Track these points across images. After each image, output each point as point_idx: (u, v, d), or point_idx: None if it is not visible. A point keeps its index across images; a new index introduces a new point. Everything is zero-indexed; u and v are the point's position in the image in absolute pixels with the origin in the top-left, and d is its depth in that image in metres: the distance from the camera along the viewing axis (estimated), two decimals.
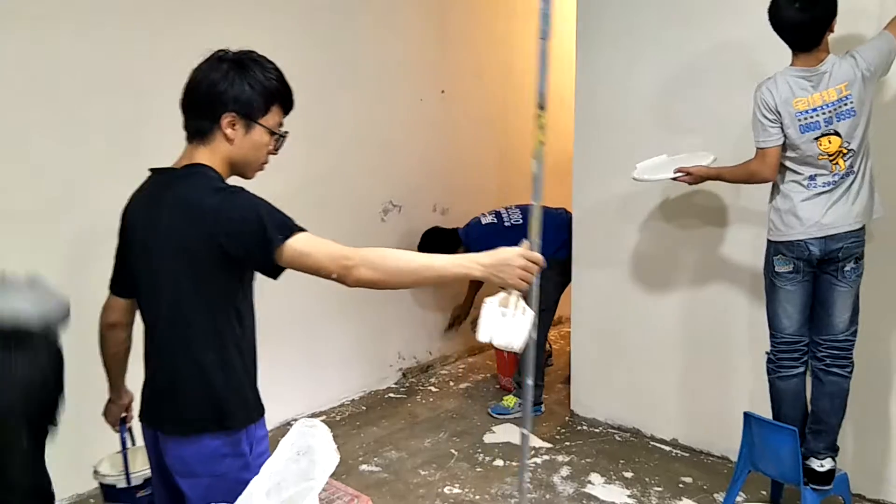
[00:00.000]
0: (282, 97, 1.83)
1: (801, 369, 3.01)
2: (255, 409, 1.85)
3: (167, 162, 1.85)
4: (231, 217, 1.67)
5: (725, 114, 3.45)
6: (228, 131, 1.77)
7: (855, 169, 2.86)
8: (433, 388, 4.67)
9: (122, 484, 2.35)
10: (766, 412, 3.13)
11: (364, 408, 4.37)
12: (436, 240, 4.55)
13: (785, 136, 2.85)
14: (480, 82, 5.04)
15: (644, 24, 3.73)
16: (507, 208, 4.53)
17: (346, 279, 1.67)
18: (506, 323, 1.75)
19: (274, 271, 1.69)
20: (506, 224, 4.45)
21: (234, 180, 1.81)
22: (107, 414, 2.24)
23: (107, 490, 2.39)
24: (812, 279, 2.96)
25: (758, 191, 3.19)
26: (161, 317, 1.79)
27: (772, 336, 3.03)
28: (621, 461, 3.68)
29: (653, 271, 3.83)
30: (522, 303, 1.77)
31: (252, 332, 1.87)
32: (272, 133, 1.82)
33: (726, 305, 3.59)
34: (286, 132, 1.86)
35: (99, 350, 2.08)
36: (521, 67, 5.29)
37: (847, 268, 2.91)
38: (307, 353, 4.20)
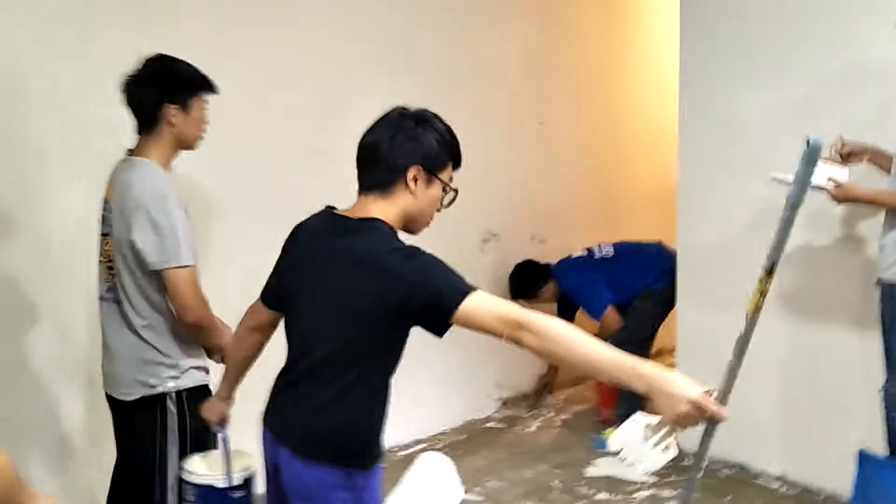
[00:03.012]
0: (456, 154, 1.93)
1: None
2: (375, 455, 1.93)
3: None
4: (410, 280, 1.73)
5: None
6: (412, 185, 1.85)
7: None
8: (533, 419, 4.67)
9: (221, 484, 2.32)
10: (878, 450, 3.02)
11: (464, 436, 4.40)
12: (528, 272, 4.61)
13: None
14: (580, 114, 5.06)
15: (756, 49, 3.66)
16: (599, 245, 4.54)
17: (515, 342, 1.68)
18: (643, 447, 1.67)
19: (443, 331, 1.75)
20: (595, 257, 4.46)
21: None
22: (210, 410, 2.30)
23: (201, 490, 2.35)
24: None
25: (865, 220, 3.09)
26: (316, 353, 1.87)
27: (892, 372, 2.92)
28: (727, 497, 3.60)
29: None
30: (672, 440, 1.66)
31: (392, 376, 1.94)
32: (445, 189, 1.91)
33: (836, 338, 3.48)
34: (457, 188, 1.94)
35: (230, 348, 2.24)
36: (622, 100, 5.29)
37: None
38: (407, 381, 4.23)
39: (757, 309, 1.52)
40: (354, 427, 1.86)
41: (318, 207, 2.01)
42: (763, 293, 1.49)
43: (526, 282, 4.60)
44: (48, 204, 3.05)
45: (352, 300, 1.80)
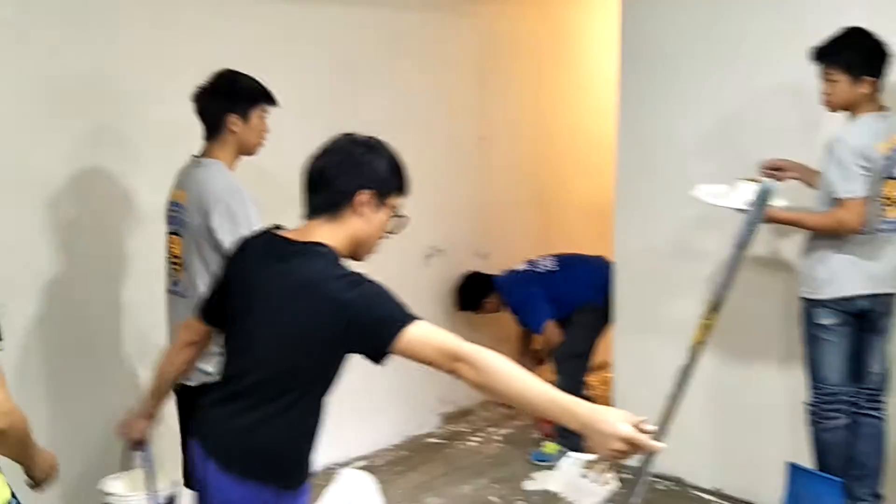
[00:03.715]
0: (404, 181, 1.94)
1: (845, 420, 2.99)
2: (304, 475, 1.93)
3: None
4: (352, 308, 1.72)
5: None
6: (361, 209, 1.85)
7: None
8: (473, 434, 4.67)
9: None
10: (805, 461, 3.10)
11: (404, 452, 4.38)
12: (473, 284, 4.63)
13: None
14: (520, 130, 5.10)
15: (691, 65, 3.72)
16: (542, 257, 4.58)
17: (454, 374, 1.69)
18: (581, 485, 1.71)
19: (382, 360, 1.74)
20: (538, 271, 4.49)
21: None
22: (128, 429, 2.24)
23: None
24: (855, 327, 2.95)
25: (789, 238, 3.17)
26: (253, 374, 1.85)
27: (815, 387, 3.01)
28: None
29: (692, 317, 3.80)
30: (610, 475, 1.69)
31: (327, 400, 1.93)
32: (393, 214, 1.92)
33: (762, 354, 3.56)
34: (405, 215, 1.94)
35: (161, 363, 2.18)
36: (560, 117, 5.35)
37: (881, 322, 2.94)
38: (347, 397, 4.20)
39: (700, 342, 1.53)
40: (286, 448, 1.85)
41: None
42: (708, 328, 1.51)
43: (471, 294, 4.62)
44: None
45: (292, 325, 1.79)
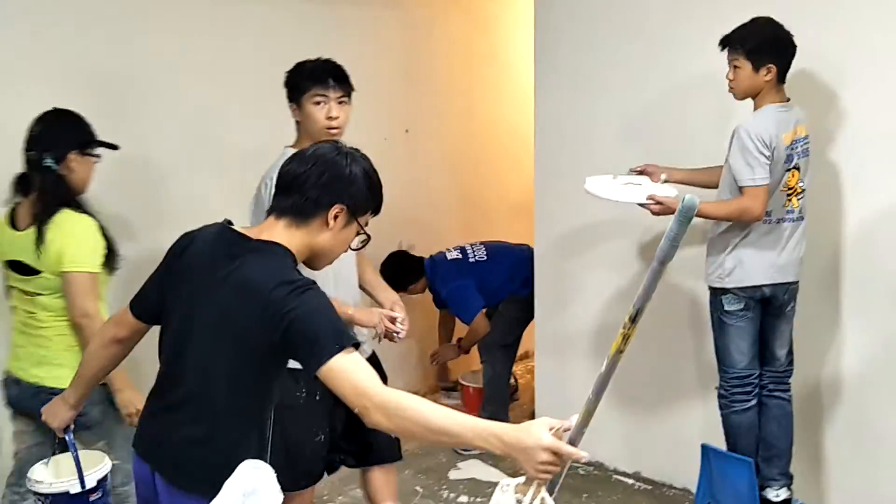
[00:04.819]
0: (379, 202, 1.93)
1: (754, 402, 3.09)
2: None
3: None
4: (290, 317, 1.67)
5: (692, 146, 3.48)
6: (332, 222, 1.82)
7: (804, 215, 2.99)
8: None
9: (76, 489, 2.27)
10: (719, 443, 3.20)
11: None
12: (400, 264, 4.56)
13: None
14: (442, 123, 5.13)
15: (605, 62, 3.77)
16: (472, 244, 4.60)
17: (363, 417, 1.64)
18: None
19: (312, 373, 1.69)
20: (470, 260, 4.51)
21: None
22: (53, 415, 2.19)
23: (56, 498, 2.29)
24: (760, 313, 3.06)
25: (698, 228, 3.24)
26: (193, 381, 1.79)
27: (723, 371, 3.11)
28: (584, 495, 3.72)
29: (610, 307, 3.89)
30: (544, 494, 1.63)
31: (272, 408, 1.89)
32: (359, 232, 1.90)
33: (674, 340, 3.67)
34: (370, 234, 1.93)
35: (85, 353, 2.10)
36: (484, 110, 5.39)
37: (788, 308, 3.05)
38: None
39: (619, 351, 1.57)
40: (233, 458, 1.72)
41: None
42: (626, 338, 1.54)
43: (398, 274, 4.51)
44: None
45: (233, 329, 1.73)
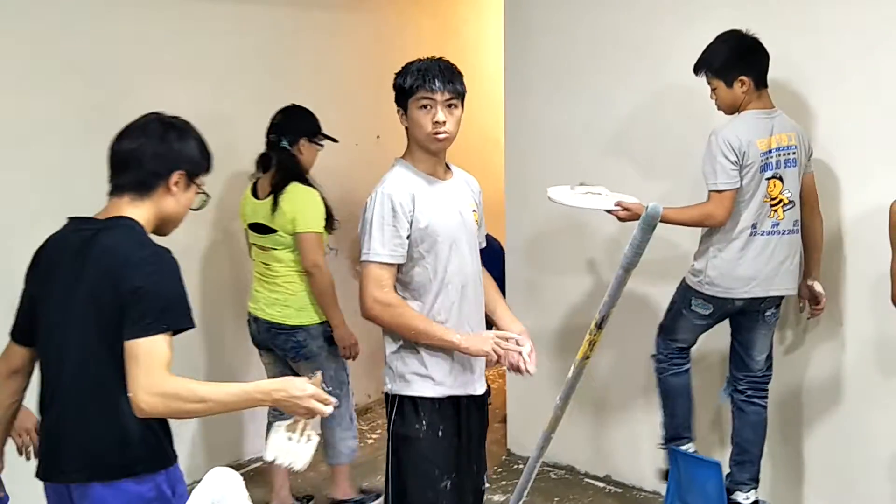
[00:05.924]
0: (210, 161, 2.03)
1: (689, 365, 3.14)
2: (169, 453, 1.90)
3: None
4: (143, 278, 1.77)
5: (663, 152, 3.52)
6: (174, 188, 1.92)
7: (797, 228, 2.96)
8: (370, 434, 4.67)
9: None
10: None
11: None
12: None
13: (741, 179, 2.87)
14: None
15: (576, 67, 3.79)
16: None
17: (135, 404, 1.72)
18: (290, 447, 1.89)
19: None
20: None
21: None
22: None
23: None
24: (729, 320, 3.08)
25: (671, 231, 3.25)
26: (70, 368, 1.82)
27: (667, 341, 3.13)
28: (556, 499, 3.74)
29: (581, 311, 3.91)
30: (310, 430, 1.90)
31: None
32: (198, 192, 2.00)
33: (646, 342, 3.65)
34: (209, 193, 2.05)
35: None
36: None
37: (768, 313, 3.05)
38: None
39: (585, 357, 1.61)
40: (129, 430, 1.80)
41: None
42: (593, 343, 1.58)
43: None
44: None
45: (95, 296, 1.80)
